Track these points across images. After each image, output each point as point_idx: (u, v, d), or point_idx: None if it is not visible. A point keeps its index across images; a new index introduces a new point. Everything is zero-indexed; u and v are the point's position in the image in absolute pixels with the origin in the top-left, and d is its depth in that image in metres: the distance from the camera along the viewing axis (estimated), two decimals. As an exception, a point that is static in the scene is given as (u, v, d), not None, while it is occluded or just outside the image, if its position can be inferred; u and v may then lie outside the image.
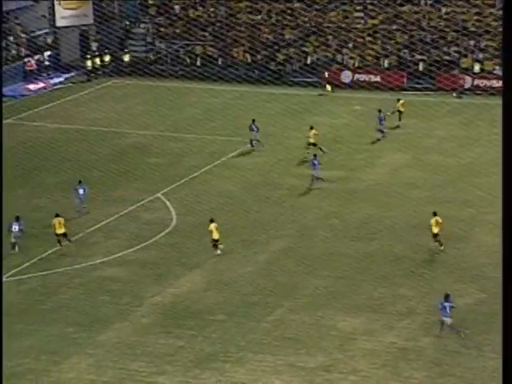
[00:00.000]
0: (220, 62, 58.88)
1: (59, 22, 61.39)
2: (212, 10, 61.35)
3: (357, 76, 56.10)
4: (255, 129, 44.41)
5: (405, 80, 54.66)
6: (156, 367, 26.09)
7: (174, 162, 43.52)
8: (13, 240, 34.00)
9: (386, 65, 56.20)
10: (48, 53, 60.81)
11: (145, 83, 57.67)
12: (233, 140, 45.47)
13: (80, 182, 37.92)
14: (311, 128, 43.25)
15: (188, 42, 60.46)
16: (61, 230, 33.97)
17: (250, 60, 58.67)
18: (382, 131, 45.35)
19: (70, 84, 58.55)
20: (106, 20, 61.20)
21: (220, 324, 28.40)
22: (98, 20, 61.44)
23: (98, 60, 60.38)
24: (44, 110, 53.14)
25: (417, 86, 53.99)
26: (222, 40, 59.53)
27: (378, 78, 55.33)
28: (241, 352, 26.74)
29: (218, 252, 33.03)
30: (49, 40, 61.89)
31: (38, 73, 59.26)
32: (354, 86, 55.43)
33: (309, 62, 57.51)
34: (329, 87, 54.59)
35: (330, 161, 42.00)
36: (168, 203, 38.51)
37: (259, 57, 58.67)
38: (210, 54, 59.65)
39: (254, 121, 44.61)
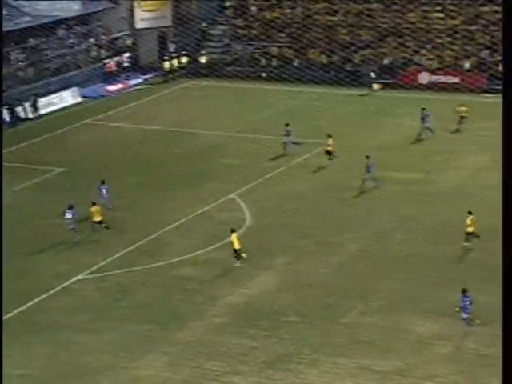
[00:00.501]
0: (296, 63, 58.91)
1: (138, 24, 62.23)
2: (289, 11, 61.42)
3: (435, 77, 55.54)
4: (288, 132, 44.45)
5: (485, 81, 53.90)
6: (230, 367, 26.27)
7: (250, 162, 43.70)
8: (70, 227, 35.13)
9: (467, 66, 55.49)
10: (127, 54, 61.72)
11: (221, 84, 58.05)
12: (309, 141, 45.45)
13: (103, 181, 38.24)
14: (329, 136, 42.99)
15: (264, 44, 60.66)
16: (97, 218, 35.40)
17: (326, 61, 58.57)
18: (429, 129, 45.18)
19: (148, 85, 59.28)
20: (183, 22, 61.78)
21: (293, 325, 28.43)
22: (176, 22, 62.08)
23: (175, 61, 61.00)
24: (122, 111, 53.91)
25: (497, 87, 53.17)
26: (298, 41, 59.54)
27: (456, 80, 54.67)
28: (314, 354, 26.73)
29: (238, 263, 32.58)
30: (128, 42, 62.80)
31: (117, 74, 60.17)
32: (432, 87, 54.88)
33: (386, 63, 57.14)
34: (376, 86, 54.58)
35: (406, 163, 41.64)
36: (242, 204, 38.69)
37: (335, 58, 58.52)
38: (286, 55, 59.73)
39: (287, 125, 44.69)
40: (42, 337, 28.11)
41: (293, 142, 44.39)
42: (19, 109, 52.19)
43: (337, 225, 35.96)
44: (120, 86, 58.74)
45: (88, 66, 59.40)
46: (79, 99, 55.96)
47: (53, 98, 54.58)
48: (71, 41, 60.22)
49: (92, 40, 61.19)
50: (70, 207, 35.55)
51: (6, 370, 25.90)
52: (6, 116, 51.50)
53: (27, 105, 52.68)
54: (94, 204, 36.12)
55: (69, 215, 35.36)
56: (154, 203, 39.11)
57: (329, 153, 42.76)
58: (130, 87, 58.80)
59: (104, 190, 38.16)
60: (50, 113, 53.48)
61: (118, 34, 62.78)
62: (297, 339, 27.57)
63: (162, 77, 60.36)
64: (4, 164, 44.49)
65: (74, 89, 56.17)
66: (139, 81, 59.89)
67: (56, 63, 57.76)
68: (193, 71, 60.76)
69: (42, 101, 53.49)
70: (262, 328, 28.34)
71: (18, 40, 56.85)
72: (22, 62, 56.36)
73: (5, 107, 51.55)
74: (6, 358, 26.65)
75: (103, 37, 61.98)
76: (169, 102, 55.76)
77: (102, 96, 57.02)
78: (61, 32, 60.30)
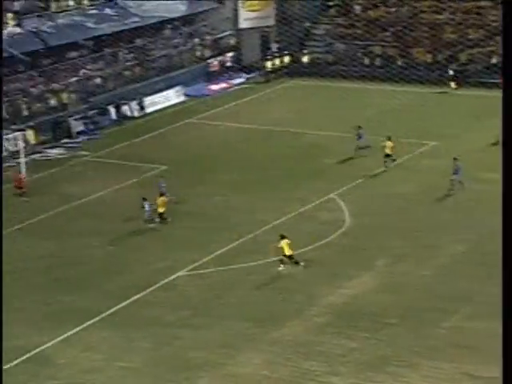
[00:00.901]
0: (400, 63, 58.27)
1: (242, 24, 62.64)
2: (394, 9, 60.78)
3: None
4: (360, 136, 43.84)
5: None
6: (329, 367, 26.13)
7: (350, 162, 43.46)
8: (147, 217, 36.65)
9: None
10: (230, 54, 62.20)
11: (323, 84, 57.90)
12: (411, 142, 44.93)
13: (144, 199, 37.88)
14: (389, 139, 42.11)
15: (368, 43, 60.23)
16: (162, 209, 36.62)
17: (431, 60, 57.75)
18: None
19: (250, 84, 59.60)
20: (287, 21, 61.90)
21: (393, 327, 28.12)
22: (279, 21, 62.22)
23: (277, 61, 61.15)
24: (224, 110, 54.34)
25: None
26: (403, 40, 58.89)
27: None
28: (414, 357, 26.36)
29: (281, 267, 32.10)
30: (232, 41, 63.29)
31: (221, 73, 60.68)
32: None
33: (494, 62, 55.94)
34: (453, 84, 53.64)
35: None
36: (342, 204, 38.50)
37: (440, 57, 57.65)
38: (390, 54, 59.16)
39: (359, 127, 44.10)
40: (145, 331, 28.55)
41: (359, 147, 43.83)
42: (125, 107, 53.16)
43: (439, 226, 35.41)
44: (223, 85, 59.22)
45: (192, 65, 60.10)
46: (183, 98, 56.66)
47: (158, 96, 55.43)
48: (176, 40, 61.04)
49: (197, 40, 61.89)
50: (144, 199, 36.93)
51: (108, 362, 26.49)
52: (113, 114, 52.54)
53: (133, 103, 53.62)
54: (161, 195, 37.09)
55: (147, 207, 36.72)
56: (255, 202, 39.27)
57: (388, 155, 42.01)
58: (233, 86, 59.22)
59: (162, 185, 38.72)
60: (155, 111, 54.33)
61: (222, 34, 63.34)
62: (396, 342, 27.25)
63: (264, 76, 60.58)
64: (109, 161, 45.46)
65: (178, 88, 56.91)
66: (242, 80, 60.27)
67: (161, 63, 58.64)
68: (295, 70, 60.78)
69: (148, 100, 54.38)
70: (361, 329, 28.13)
71: (126, 40, 57.97)
72: (130, 61, 57.41)
73: (112, 106, 52.61)
74: (109, 349, 27.25)
75: (208, 36, 62.61)
76: (270, 101, 55.92)
77: (205, 95, 57.59)
78: (167, 32, 61.21)
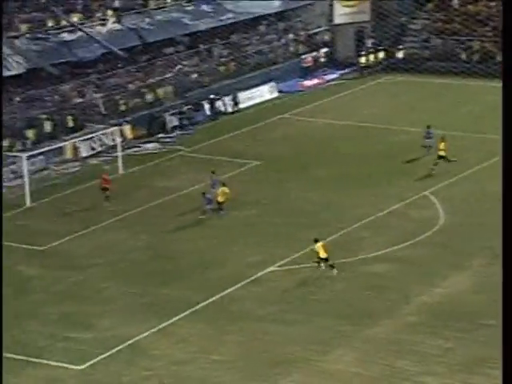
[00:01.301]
0: (499, 58, 57.01)
1: (337, 19, 62.27)
2: (494, 4, 59.46)
3: None
4: (429, 135, 42.80)
5: None
6: (423, 367, 25.71)
7: (444, 159, 42.69)
8: (207, 207, 37.11)
9: None
10: (324, 50, 61.90)
11: (419, 79, 57.12)
12: None
13: (213, 172, 39.44)
14: (442, 140, 40.83)
15: (466, 38, 59.13)
16: (222, 199, 37.53)
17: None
18: None
19: (344, 80, 59.20)
20: (383, 16, 61.27)
21: (489, 328, 27.48)
22: (374, 16, 61.63)
23: (372, 56, 60.58)
24: (318, 106, 54.10)
25: None
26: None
27: None
28: None
29: (335, 272, 31.58)
30: (326, 37, 63.01)
31: (314, 69, 60.44)
32: None
33: None
34: None
35: None
36: (436, 201, 37.88)
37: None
38: (489, 49, 57.90)
39: (428, 127, 43.04)
40: (236, 325, 28.62)
41: (423, 146, 42.90)
42: (219, 103, 53.44)
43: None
44: (316, 81, 58.97)
45: (286, 61, 60.03)
46: (276, 94, 56.64)
47: (251, 92, 55.53)
48: (271, 36, 61.08)
49: (291, 35, 61.80)
50: (203, 194, 37.54)
51: (200, 355, 26.62)
52: (207, 110, 52.88)
53: (227, 99, 53.86)
54: (223, 185, 37.74)
55: (208, 196, 37.38)
56: (347, 198, 38.99)
57: (441, 157, 40.89)
58: (326, 82, 58.92)
59: (214, 181, 39.11)
60: (249, 107, 54.45)
61: (317, 30, 63.09)
62: (493, 343, 26.55)
63: (358, 72, 60.10)
64: (203, 157, 45.75)
65: (272, 84, 56.91)
66: (335, 76, 59.91)
67: (256, 58, 58.74)
68: (390, 66, 60.11)
69: (241, 95, 54.54)
70: (457, 329, 27.59)
71: (221, 36, 58.28)
72: (224, 57, 57.70)
73: (206, 101, 52.96)
74: (201, 342, 27.38)
75: (302, 32, 62.46)
76: (364, 97, 55.45)
77: (298, 91, 57.44)
78: (261, 28, 61.28)
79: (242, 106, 54.19)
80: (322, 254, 31.66)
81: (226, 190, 37.90)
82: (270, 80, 57.13)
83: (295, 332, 28.06)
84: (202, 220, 37.41)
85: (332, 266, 31.74)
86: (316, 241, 31.88)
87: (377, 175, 41.36)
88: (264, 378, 25.51)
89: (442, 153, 41.13)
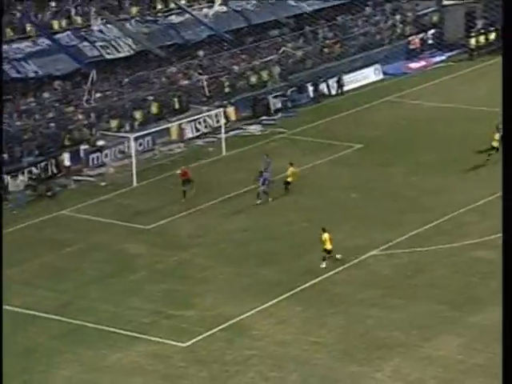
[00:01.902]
0: None
1: (446, 0, 61.09)
2: None
3: None
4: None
5: None
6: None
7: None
8: (260, 190, 36.91)
9: None
10: (432, 31, 60.86)
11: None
12: None
13: (267, 155, 39.47)
14: (497, 129, 39.00)
15: None
16: (291, 179, 37.65)
17: None
18: None
19: (452, 63, 58.14)
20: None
21: None
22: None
23: (482, 38, 59.28)
24: (423, 89, 53.34)
25: None
26: None
27: None
28: None
29: (323, 265, 31.04)
30: (434, 18, 61.91)
31: (421, 51, 59.57)
32: None
33: None
34: None
35: None
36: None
37: None
38: None
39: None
40: (336, 308, 28.59)
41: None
42: (323, 85, 53.25)
43: None
44: (422, 63, 58.11)
45: (392, 43, 59.33)
46: (381, 76, 56.09)
47: (356, 74, 55.13)
48: (377, 18, 60.43)
49: (398, 17, 61.01)
50: (260, 173, 37.50)
51: (300, 336, 26.72)
52: (310, 92, 52.77)
53: (331, 81, 53.62)
54: (291, 164, 37.97)
55: (261, 180, 37.15)
56: (452, 182, 38.41)
57: (496, 149, 39.19)
58: (433, 65, 58.00)
59: (267, 162, 38.99)
60: (353, 90, 54.08)
61: (425, 11, 62.06)
62: None
63: (467, 54, 58.92)
64: (305, 139, 45.73)
65: (377, 66, 56.38)
66: (442, 58, 58.89)
67: (361, 40, 58.24)
68: (501, 48, 58.64)
69: (346, 78, 54.19)
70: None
71: (326, 18, 57.98)
72: (329, 39, 57.40)
73: (310, 84, 52.84)
74: (301, 324, 27.47)
75: (409, 13, 61.58)
76: (472, 79, 54.35)
77: (404, 73, 56.73)
78: (368, 9, 60.68)
79: (345, 88, 53.86)
80: (328, 246, 31.15)
81: (294, 170, 37.79)
82: (375, 62, 56.58)
83: (396, 316, 27.85)
84: (301, 202, 37.42)
85: (337, 259, 31.32)
86: (324, 230, 31.39)
87: (482, 159, 40.57)
88: (364, 361, 25.43)
89: (495, 143, 39.77)
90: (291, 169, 38.18)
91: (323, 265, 31.21)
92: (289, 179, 38.03)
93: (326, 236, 31.34)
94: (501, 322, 26.87)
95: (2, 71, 41.68)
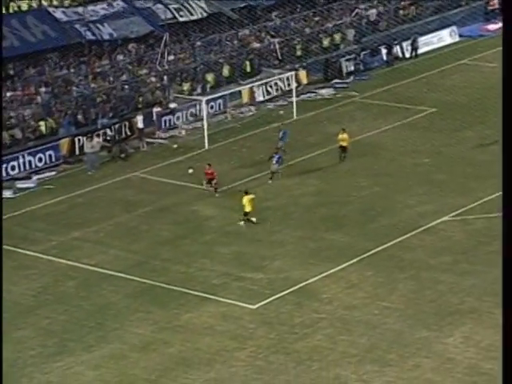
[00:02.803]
0: None
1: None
2: None
3: None
4: None
5: None
6: None
7: None
8: (273, 169, 35.70)
9: None
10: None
11: None
12: None
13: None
14: None
15: None
16: (345, 143, 37.07)
17: None
18: None
19: (529, 25, 56.79)
20: None
21: None
22: None
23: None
24: (500, 51, 52.20)
25: None
26: None
27: None
28: None
29: (241, 223, 31.81)
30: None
31: (499, 13, 58.29)
32: None
33: None
34: None
35: None
36: None
37: None
38: None
39: None
40: (407, 273, 28.46)
41: None
42: (397, 48, 52.63)
43: None
44: (499, 25, 56.87)
45: (469, 4, 58.21)
46: (457, 38, 55.19)
47: (431, 37, 54.33)
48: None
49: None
50: (277, 150, 36.71)
51: (370, 301, 26.72)
52: (384, 55, 52.22)
53: (405, 44, 52.96)
54: (344, 130, 37.47)
55: (275, 158, 36.15)
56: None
57: None
58: (510, 27, 56.75)
59: (281, 133, 38.41)
60: (427, 52, 53.34)
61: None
62: None
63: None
64: (377, 103, 45.35)
65: (453, 28, 55.46)
66: (520, 20, 57.57)
67: (437, 2, 57.23)
68: None
69: (420, 40, 53.42)
70: None
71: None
72: (404, 0, 56.57)
73: (383, 46, 52.26)
74: (371, 288, 27.44)
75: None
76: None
77: (481, 35, 55.70)
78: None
79: (420, 51, 53.15)
80: (248, 208, 31.56)
81: (344, 136, 37.43)
82: (451, 24, 55.65)
83: (468, 283, 27.63)
84: (372, 167, 37.20)
85: (250, 220, 31.64)
86: (246, 193, 31.94)
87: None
88: (435, 327, 25.29)
89: None
90: (344, 135, 37.56)
91: (241, 223, 31.94)
92: (343, 143, 37.50)
93: (245, 199, 31.78)
94: None
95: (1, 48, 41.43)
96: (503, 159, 18.96)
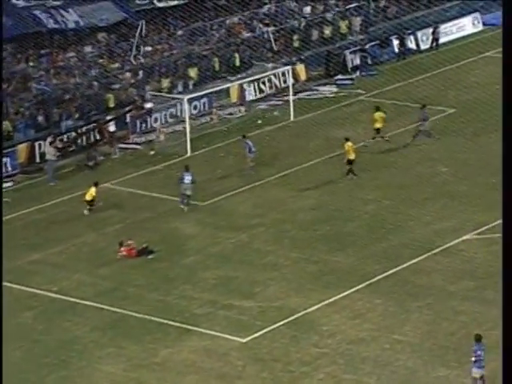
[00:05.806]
0: None
1: None
2: None
3: None
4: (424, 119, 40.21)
5: None
6: None
7: None
8: (182, 192, 35.04)
9: None
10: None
11: None
12: None
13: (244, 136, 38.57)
14: None
15: None
16: (353, 156, 37.13)
17: None
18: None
19: None
20: None
21: None
22: None
23: None
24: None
25: None
26: None
27: None
28: None
29: (85, 212, 34.95)
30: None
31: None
32: None
33: None
34: None
35: None
36: None
37: None
38: None
39: (423, 106, 40.65)
40: (422, 301, 28.45)
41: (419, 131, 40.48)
42: (410, 38, 52.78)
43: None
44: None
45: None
46: (480, 27, 55.48)
47: (449, 25, 54.59)
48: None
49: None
50: (187, 169, 35.98)
51: (379, 333, 26.66)
52: (395, 47, 52.36)
53: (419, 34, 53.13)
54: (347, 140, 37.13)
55: (187, 178, 35.39)
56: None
57: None
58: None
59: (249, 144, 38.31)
60: (445, 43, 53.58)
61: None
62: None
63: None
64: (387, 102, 45.43)
65: (476, 15, 55.77)
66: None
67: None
68: None
69: (437, 30, 53.63)
70: None
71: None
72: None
73: (394, 37, 52.38)
74: (380, 319, 27.35)
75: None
76: None
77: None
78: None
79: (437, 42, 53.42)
80: (88, 197, 35.03)
81: (351, 145, 37.31)
82: (474, 11, 55.91)
83: (494, 312, 27.56)
84: (381, 177, 37.25)
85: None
86: (96, 184, 35.08)
87: None
88: (455, 364, 25.26)
89: None
90: (348, 144, 37.45)
91: (86, 212, 35.00)
92: (350, 157, 37.32)
93: (92, 189, 35.02)
94: None
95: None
96: (503, 158, 18.91)
